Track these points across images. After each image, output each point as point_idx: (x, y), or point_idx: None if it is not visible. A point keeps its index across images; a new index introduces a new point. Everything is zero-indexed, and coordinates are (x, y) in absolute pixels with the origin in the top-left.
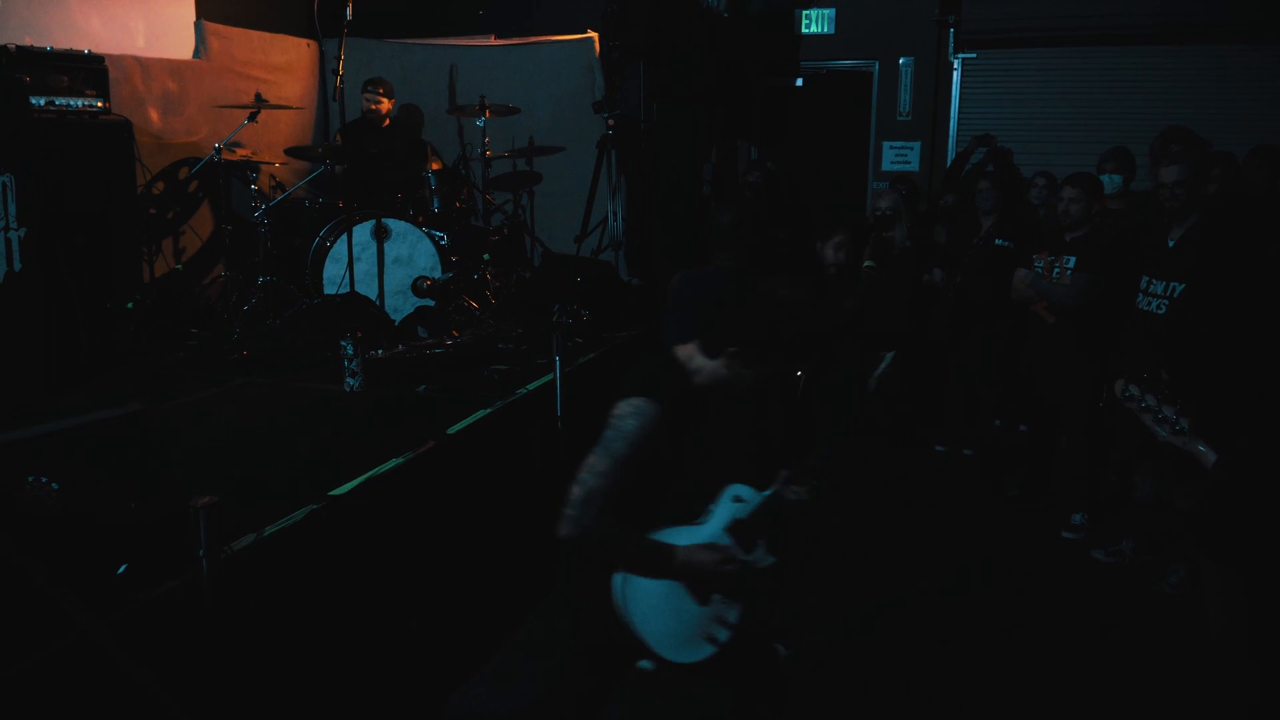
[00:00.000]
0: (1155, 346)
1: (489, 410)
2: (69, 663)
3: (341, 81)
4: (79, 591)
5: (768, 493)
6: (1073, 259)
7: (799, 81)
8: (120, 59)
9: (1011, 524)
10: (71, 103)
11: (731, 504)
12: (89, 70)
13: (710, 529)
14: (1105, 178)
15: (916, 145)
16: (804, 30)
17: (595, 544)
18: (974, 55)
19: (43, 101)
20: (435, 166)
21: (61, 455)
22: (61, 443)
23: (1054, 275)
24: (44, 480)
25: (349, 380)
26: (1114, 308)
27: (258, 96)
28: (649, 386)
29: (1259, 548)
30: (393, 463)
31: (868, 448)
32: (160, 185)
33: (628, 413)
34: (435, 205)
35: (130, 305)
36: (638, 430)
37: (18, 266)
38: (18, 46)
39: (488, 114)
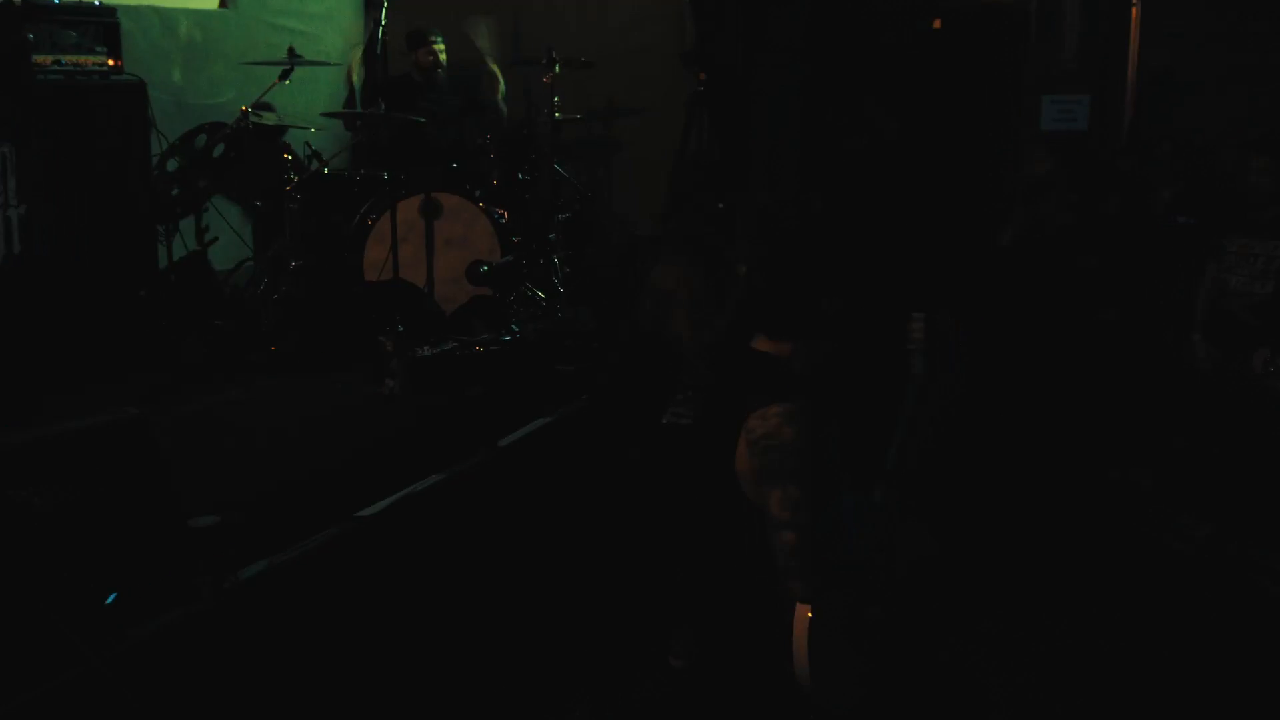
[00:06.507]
0: None
1: (550, 419)
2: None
3: (385, 32)
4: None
5: None
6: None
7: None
8: (136, 9)
9: None
10: (80, 62)
11: None
12: (99, 24)
13: None
14: None
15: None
16: None
17: None
18: None
19: (48, 60)
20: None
21: (50, 465)
22: (51, 451)
23: None
24: (27, 493)
25: (388, 381)
26: None
27: (291, 51)
28: None
29: None
30: (432, 479)
31: None
32: (179, 154)
33: None
34: (494, 177)
35: (142, 293)
36: None
37: (17, 249)
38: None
39: (557, 69)
